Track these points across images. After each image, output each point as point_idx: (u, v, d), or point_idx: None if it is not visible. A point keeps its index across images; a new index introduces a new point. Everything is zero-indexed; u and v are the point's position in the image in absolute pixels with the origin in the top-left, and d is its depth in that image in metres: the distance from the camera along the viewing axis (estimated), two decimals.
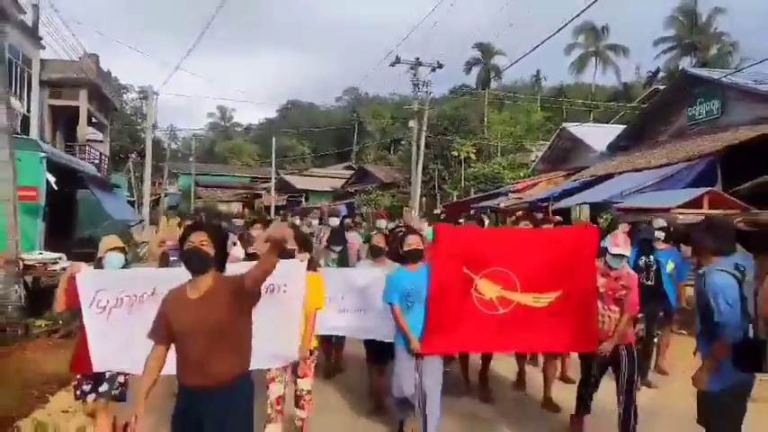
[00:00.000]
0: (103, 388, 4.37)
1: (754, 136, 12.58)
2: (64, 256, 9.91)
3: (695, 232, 4.01)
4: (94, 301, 4.23)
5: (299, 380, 4.95)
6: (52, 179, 14.29)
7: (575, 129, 22.78)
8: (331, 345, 6.91)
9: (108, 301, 4.25)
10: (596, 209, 14.63)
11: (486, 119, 37.26)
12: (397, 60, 25.49)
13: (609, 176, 16.14)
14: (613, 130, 20.44)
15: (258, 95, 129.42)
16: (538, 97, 48.76)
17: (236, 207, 48.54)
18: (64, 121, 21.26)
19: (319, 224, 13.27)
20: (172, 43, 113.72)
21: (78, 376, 4.42)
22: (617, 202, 12.40)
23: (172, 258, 6.04)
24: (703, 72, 17.86)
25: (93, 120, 22.45)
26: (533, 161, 27.36)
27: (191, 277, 3.22)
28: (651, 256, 6.61)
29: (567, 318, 4.86)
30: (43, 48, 18.58)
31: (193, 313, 3.12)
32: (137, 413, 3.15)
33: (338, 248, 7.43)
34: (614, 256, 4.97)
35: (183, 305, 3.17)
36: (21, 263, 8.72)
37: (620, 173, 15.79)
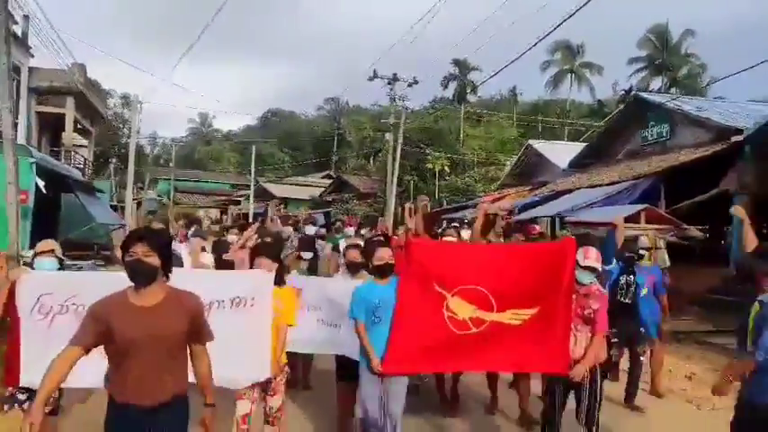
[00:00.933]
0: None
1: (693, 159, 13.91)
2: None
3: (753, 260, 4.13)
4: (36, 307, 3.98)
5: (268, 397, 4.70)
6: (41, 183, 15.18)
7: (540, 146, 24.21)
8: (297, 357, 6.58)
9: (52, 307, 4.01)
10: (556, 223, 15.89)
11: (461, 133, 38.58)
12: (375, 75, 26.73)
13: (567, 192, 17.43)
14: (576, 148, 21.85)
15: (238, 104, 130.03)
16: (513, 114, 50.30)
17: (214, 213, 49.27)
18: (50, 126, 22.10)
19: (295, 232, 12.97)
20: (154, 51, 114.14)
21: (11, 389, 4.10)
22: (566, 216, 13.65)
23: None
24: (654, 97, 19.27)
25: (78, 126, 23.34)
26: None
27: (131, 287, 3.08)
28: (632, 276, 6.62)
29: (542, 337, 4.68)
30: (32, 56, 19.49)
31: (147, 322, 2.97)
32: (33, 420, 2.82)
33: (308, 256, 7.19)
34: (584, 268, 4.70)
35: (131, 313, 2.99)
36: (20, 260, 9.63)
37: (577, 189, 17.09)
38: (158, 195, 51.97)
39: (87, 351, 2.96)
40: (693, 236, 12.24)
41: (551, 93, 55.18)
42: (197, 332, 3.15)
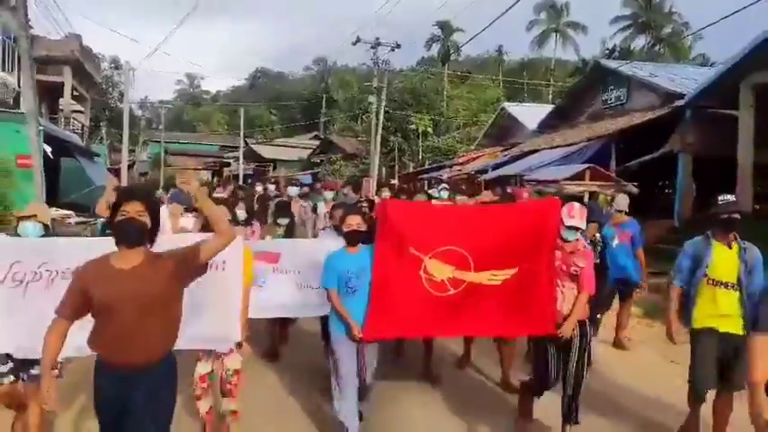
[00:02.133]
0: (36, 371, 4.02)
1: (639, 122, 15.61)
2: (73, 213, 12.54)
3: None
4: (9, 275, 3.99)
5: (224, 357, 4.54)
6: (49, 149, 16.72)
7: (512, 108, 25.81)
8: (276, 323, 6.77)
9: (25, 275, 4.01)
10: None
11: (445, 94, 39.93)
12: (358, 40, 27.96)
13: (533, 152, 19.14)
14: (546, 110, 23.43)
15: (226, 64, 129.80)
16: (499, 75, 51.51)
17: (205, 175, 50.57)
18: (48, 94, 23.51)
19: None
20: (142, 12, 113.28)
21: None
22: (525, 175, 15.38)
23: (108, 232, 6.26)
24: (613, 63, 20.81)
25: (75, 93, 24.73)
26: None
27: (115, 250, 3.10)
28: (597, 234, 6.57)
29: (525, 297, 4.64)
30: (31, 27, 20.75)
31: (124, 285, 2.99)
32: (47, 390, 3.04)
33: (284, 222, 7.04)
34: (569, 228, 4.65)
35: (110, 277, 3.02)
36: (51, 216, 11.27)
37: (541, 149, 18.80)
38: (148, 157, 53.32)
39: (73, 320, 3.07)
40: (630, 191, 13.99)
41: (537, 52, 56.45)
42: (186, 256, 3.15)
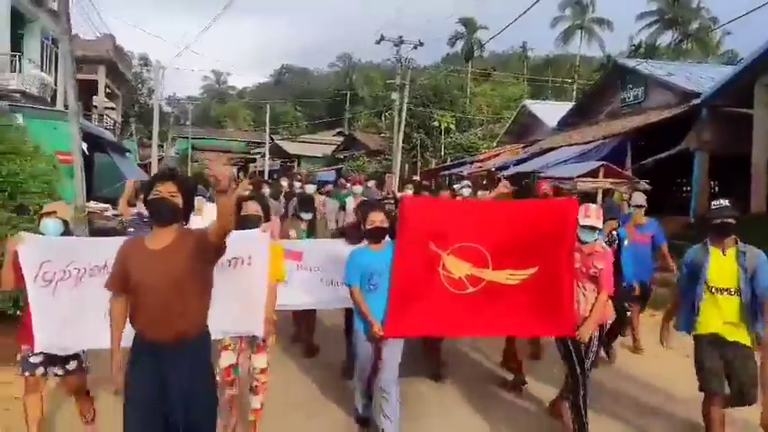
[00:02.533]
0: (72, 366, 4.29)
1: (654, 121, 15.98)
2: (110, 207, 13.29)
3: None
4: (40, 274, 4.07)
5: (253, 356, 4.62)
6: (84, 145, 17.55)
7: (533, 106, 26.22)
8: (301, 321, 7.02)
9: (54, 274, 4.09)
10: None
11: (468, 91, 40.33)
12: (382, 38, 28.59)
13: (552, 149, 19.56)
14: (566, 108, 23.80)
15: (252, 60, 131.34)
16: (523, 71, 51.67)
17: (230, 171, 51.45)
18: (83, 92, 24.48)
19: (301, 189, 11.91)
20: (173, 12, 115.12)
21: (24, 348, 4.23)
22: (541, 172, 15.84)
23: (128, 229, 5.76)
24: (630, 62, 21.08)
25: (107, 90, 25.74)
26: None
27: (151, 231, 3.26)
28: (613, 233, 6.50)
29: (544, 298, 4.64)
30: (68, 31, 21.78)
31: (156, 264, 3.11)
32: (116, 372, 3.22)
33: (307, 216, 7.08)
34: (584, 227, 4.69)
35: (144, 256, 3.15)
36: (86, 210, 12.03)
37: (560, 147, 19.22)
38: (176, 153, 54.47)
39: (125, 291, 3.22)
40: (643, 188, 14.38)
41: (561, 48, 56.42)
42: (209, 247, 3.17)
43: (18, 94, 17.55)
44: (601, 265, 4.72)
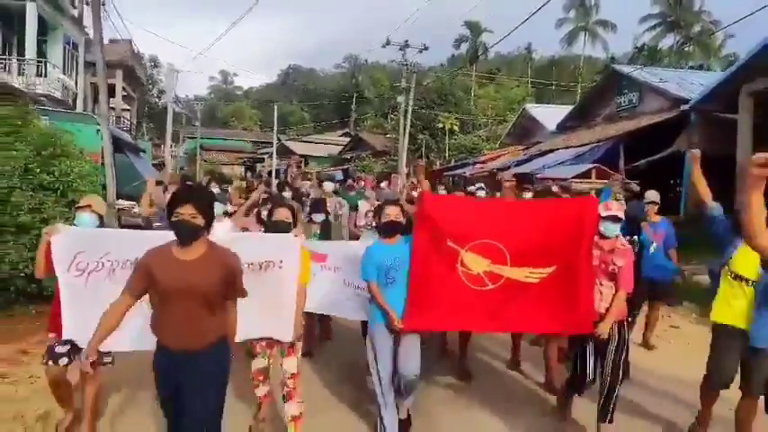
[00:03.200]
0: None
1: (644, 125, 17.02)
2: (135, 203, 14.38)
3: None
4: (73, 264, 4.18)
5: (284, 359, 4.62)
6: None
7: (534, 109, 27.26)
8: (314, 317, 6.61)
9: (88, 264, 4.20)
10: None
11: (472, 93, 41.35)
12: (388, 42, 29.66)
13: (550, 152, 20.60)
14: (566, 111, 24.81)
15: (257, 60, 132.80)
16: (528, 72, 52.63)
17: (238, 170, 52.57)
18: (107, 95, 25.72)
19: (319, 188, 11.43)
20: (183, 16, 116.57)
21: (52, 336, 4.38)
22: (538, 173, 16.88)
23: (155, 224, 5.81)
24: (626, 69, 22.10)
25: (124, 93, 26.91)
26: None
27: (177, 242, 3.32)
28: (636, 236, 6.42)
29: (562, 296, 4.67)
30: (87, 35, 22.93)
31: (184, 275, 3.22)
32: (89, 355, 3.31)
33: (319, 219, 7.04)
34: (606, 218, 4.66)
35: (172, 265, 3.26)
36: (116, 207, 13.08)
37: (558, 149, 20.25)
38: (185, 153, 55.60)
39: (136, 298, 3.33)
40: (633, 189, 15.39)
41: (566, 50, 57.54)
42: (231, 288, 3.38)
43: (44, 98, 18.66)
44: (621, 263, 4.71)
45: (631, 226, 6.24)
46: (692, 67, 43.55)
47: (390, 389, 4.76)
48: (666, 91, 18.22)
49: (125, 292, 3.33)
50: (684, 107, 16.83)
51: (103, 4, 16.29)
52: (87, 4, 18.02)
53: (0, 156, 8.07)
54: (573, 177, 14.77)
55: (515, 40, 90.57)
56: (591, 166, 15.14)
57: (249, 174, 51.54)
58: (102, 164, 13.21)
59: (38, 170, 8.33)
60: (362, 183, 12.32)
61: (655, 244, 7.07)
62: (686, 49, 51.34)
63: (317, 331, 7.22)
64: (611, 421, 4.76)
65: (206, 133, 56.65)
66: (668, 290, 7.69)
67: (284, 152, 49.13)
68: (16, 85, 17.34)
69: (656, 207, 7.37)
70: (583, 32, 55.34)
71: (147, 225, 5.97)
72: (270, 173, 44.45)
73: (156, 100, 49.45)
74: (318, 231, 6.98)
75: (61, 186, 8.55)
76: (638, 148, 17.45)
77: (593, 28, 55.29)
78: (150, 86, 47.89)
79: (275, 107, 47.74)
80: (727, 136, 15.57)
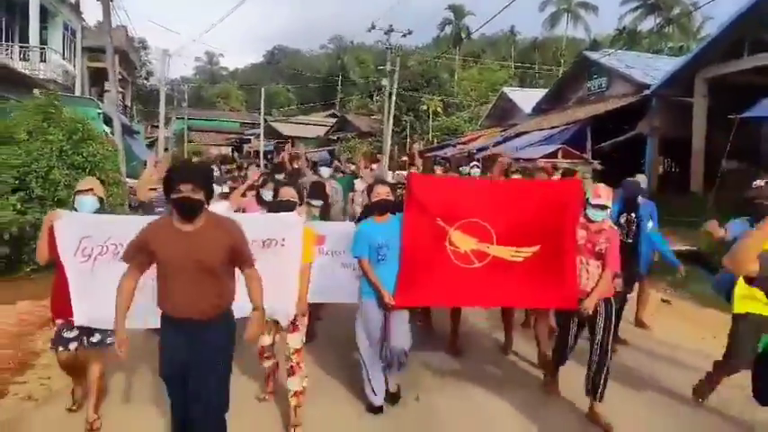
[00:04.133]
0: (96, 338, 4.45)
1: (611, 108, 18.62)
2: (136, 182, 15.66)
3: None
4: (79, 250, 4.26)
5: (288, 335, 4.69)
6: (108, 129, 19.98)
7: (511, 93, 28.79)
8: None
9: (93, 249, 4.28)
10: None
11: (456, 75, 42.77)
12: (373, 26, 30.97)
13: (525, 133, 22.17)
14: (541, 94, 26.36)
15: (243, 40, 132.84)
16: (511, 54, 53.98)
17: (225, 151, 53.51)
18: (98, 78, 26.92)
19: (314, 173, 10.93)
20: None
21: (59, 322, 4.44)
22: (511, 154, 18.40)
23: (158, 209, 5.79)
24: (595, 55, 23.63)
25: (120, 77, 28.14)
26: None
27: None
28: (633, 214, 6.60)
29: (547, 273, 4.85)
30: (84, 21, 24.21)
31: (186, 246, 3.31)
32: (121, 344, 3.44)
33: (318, 203, 6.90)
34: (594, 206, 4.87)
35: (174, 236, 3.34)
36: (128, 185, 14.26)
37: (531, 131, 21.83)
38: (173, 134, 56.54)
39: (141, 271, 3.45)
40: (594, 168, 16.99)
41: (549, 31, 59.00)
42: (239, 257, 3.46)
43: (47, 83, 19.91)
44: (608, 243, 4.90)
45: (628, 204, 6.55)
46: (671, 48, 45.28)
47: (377, 361, 4.91)
48: (631, 77, 19.78)
49: (132, 267, 3.47)
50: (646, 92, 18.41)
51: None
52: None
53: (39, 140, 9.52)
54: (540, 158, 16.30)
55: (499, 22, 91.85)
56: (557, 147, 16.69)
57: (236, 154, 52.53)
58: None
59: (71, 152, 9.79)
60: (352, 166, 12.48)
61: (651, 223, 7.15)
62: (666, 30, 52.94)
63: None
64: (600, 399, 4.89)
65: (193, 114, 57.39)
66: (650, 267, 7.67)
67: (271, 133, 50.13)
68: (21, 71, 18.57)
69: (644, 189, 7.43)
70: (565, 14, 56.79)
71: (148, 210, 5.90)
72: (257, 153, 45.60)
73: (145, 81, 50.31)
74: (317, 214, 6.92)
75: (89, 166, 10.00)
76: (605, 130, 19.00)
77: (576, 10, 56.81)
78: (139, 68, 48.78)
79: (262, 91, 48.82)
80: (684, 118, 17.19)
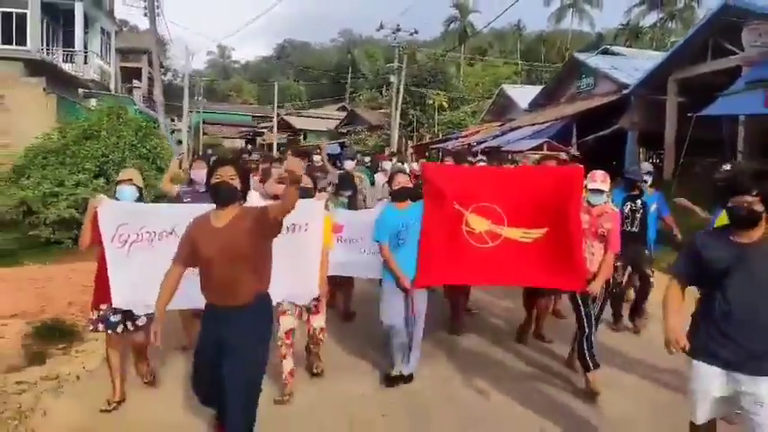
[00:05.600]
0: (140, 322, 4.77)
1: (593, 106, 21.11)
2: None
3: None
4: (116, 235, 4.52)
5: (312, 317, 5.15)
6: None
7: (509, 90, 31.34)
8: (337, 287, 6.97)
9: (129, 236, 4.54)
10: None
11: (461, 71, 45.20)
12: (381, 26, 33.56)
13: (519, 128, 24.71)
14: (536, 91, 28.81)
15: (253, 33, 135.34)
16: (516, 50, 56.10)
17: (239, 144, 55.03)
18: (129, 77, 29.88)
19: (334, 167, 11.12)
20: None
21: (103, 307, 4.65)
22: (502, 146, 20.99)
23: (185, 200, 6.01)
24: (582, 56, 25.98)
25: (148, 75, 31.06)
26: None
27: (214, 209, 3.66)
28: (638, 201, 6.70)
29: (556, 255, 5.12)
30: (117, 25, 27.09)
31: (219, 241, 3.55)
32: (156, 329, 3.61)
33: (347, 193, 7.62)
34: (592, 191, 5.16)
35: (209, 233, 3.60)
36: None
37: (524, 126, 24.37)
38: (188, 127, 58.94)
39: (186, 266, 3.74)
40: (575, 154, 19.39)
41: (554, 26, 61.17)
42: (264, 221, 3.56)
43: (90, 83, 22.73)
44: (609, 225, 5.18)
45: (630, 188, 6.80)
46: (674, 43, 47.14)
47: (399, 333, 5.24)
48: (614, 77, 22.26)
49: (174, 263, 3.72)
50: (625, 91, 20.89)
51: (158, 14, 20.21)
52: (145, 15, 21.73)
53: (114, 136, 12.21)
54: (528, 149, 18.86)
55: (506, 15, 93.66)
56: (542, 140, 19.21)
57: (250, 146, 54.60)
58: None
59: (138, 145, 12.49)
60: (366, 159, 13.57)
61: (655, 205, 7.33)
62: (669, 25, 54.98)
63: (337, 296, 7.42)
64: (588, 369, 5.21)
65: (208, 107, 59.07)
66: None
67: (284, 126, 52.12)
68: (70, 72, 21.37)
69: (650, 179, 7.55)
70: (570, 9, 58.97)
71: (176, 202, 6.11)
72: (270, 146, 47.71)
73: (162, 77, 52.91)
74: (346, 201, 7.57)
75: (152, 156, 12.71)
76: (590, 125, 21.40)
77: (581, 5, 58.89)
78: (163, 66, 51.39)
79: (275, 86, 50.88)
80: (659, 115, 19.43)
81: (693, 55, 18.30)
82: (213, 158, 4.89)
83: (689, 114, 15.83)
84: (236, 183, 3.63)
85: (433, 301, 5.80)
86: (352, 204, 7.66)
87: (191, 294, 3.88)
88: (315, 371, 5.46)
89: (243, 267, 3.59)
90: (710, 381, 3.36)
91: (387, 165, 10.68)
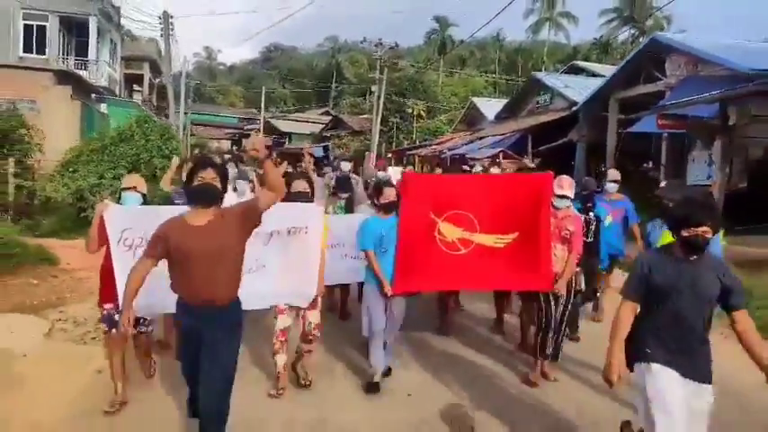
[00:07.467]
0: (145, 326, 5.09)
1: (544, 121, 24.62)
2: None
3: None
4: (122, 240, 4.65)
5: (307, 312, 5.27)
6: None
7: (478, 102, 34.89)
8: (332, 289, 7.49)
9: (133, 240, 4.66)
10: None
11: (440, 81, 48.69)
12: (364, 39, 37.16)
13: (485, 137, 28.22)
14: (501, 104, 32.25)
15: (239, 34, 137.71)
16: (496, 60, 59.61)
17: (225, 145, 57.01)
18: (131, 82, 33.17)
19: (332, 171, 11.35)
20: None
21: (108, 306, 4.82)
22: (466, 154, 24.41)
23: (177, 202, 6.01)
24: (540, 75, 29.50)
25: (150, 82, 34.42)
26: None
27: (189, 210, 3.79)
28: (591, 213, 6.89)
29: (525, 258, 5.50)
30: (122, 35, 30.38)
31: (197, 239, 3.65)
32: (127, 317, 3.70)
33: (345, 195, 7.84)
34: (559, 197, 5.55)
35: (186, 231, 3.68)
36: None
37: (488, 136, 27.89)
38: (183, 128, 61.04)
39: (155, 261, 3.80)
40: (530, 166, 22.79)
41: (532, 38, 64.84)
42: (250, 210, 3.78)
43: (102, 89, 25.93)
44: (572, 228, 5.59)
45: (584, 203, 6.90)
46: None
47: (380, 336, 5.52)
48: (566, 95, 25.85)
49: (145, 257, 3.83)
50: (575, 108, 24.42)
51: (172, 34, 23.50)
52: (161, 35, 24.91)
53: (143, 138, 15.51)
54: (486, 158, 22.26)
55: (486, 28, 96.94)
56: (498, 150, 22.66)
57: (236, 148, 56.92)
58: None
59: (163, 146, 15.81)
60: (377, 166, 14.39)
61: (610, 218, 7.53)
62: (640, 41, 58.72)
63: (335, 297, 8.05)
64: (555, 360, 5.83)
65: (195, 109, 60.45)
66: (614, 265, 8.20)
67: (269, 129, 54.44)
68: (87, 80, 24.59)
69: (617, 185, 7.89)
70: (547, 22, 62.73)
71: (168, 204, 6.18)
72: None
73: (155, 81, 55.70)
74: (343, 204, 7.82)
75: (172, 156, 15.97)
76: (545, 137, 24.66)
77: (557, 19, 62.75)
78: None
79: (263, 89, 53.49)
80: (603, 129, 22.51)
81: (630, 78, 21.31)
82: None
83: (619, 131, 19.34)
84: (218, 184, 3.78)
85: (425, 302, 6.72)
86: (349, 206, 7.90)
87: (161, 300, 4.20)
88: (302, 383, 5.58)
89: (221, 267, 3.74)
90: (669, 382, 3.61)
91: (381, 174, 10.62)
